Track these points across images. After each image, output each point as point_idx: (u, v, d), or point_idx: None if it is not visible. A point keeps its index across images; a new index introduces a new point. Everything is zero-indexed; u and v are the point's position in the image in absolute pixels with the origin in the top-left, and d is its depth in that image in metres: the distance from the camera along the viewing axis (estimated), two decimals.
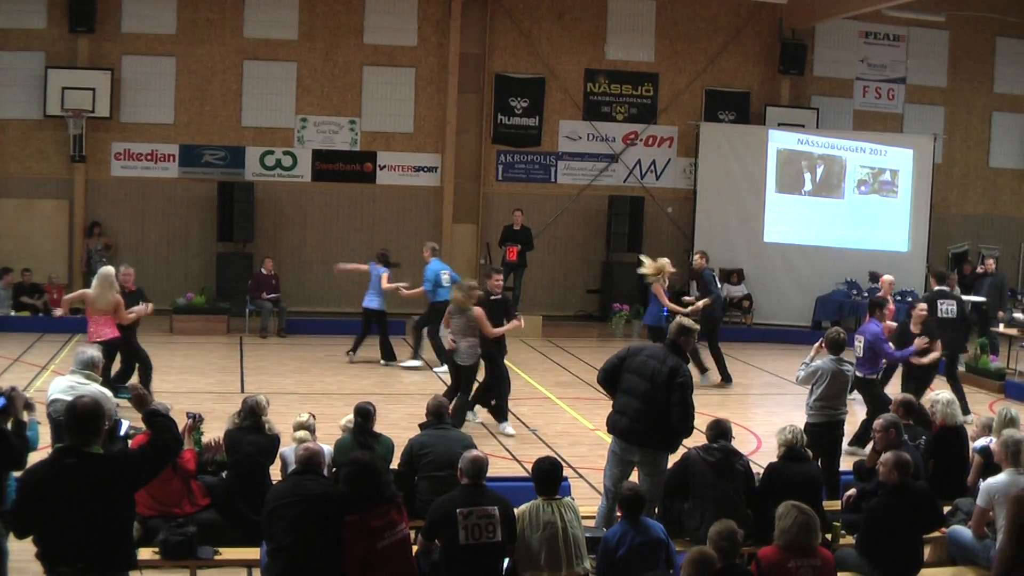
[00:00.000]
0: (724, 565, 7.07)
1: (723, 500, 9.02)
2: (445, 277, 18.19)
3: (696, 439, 9.95)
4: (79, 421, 6.38)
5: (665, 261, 17.37)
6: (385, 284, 18.68)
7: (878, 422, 9.88)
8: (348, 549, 7.63)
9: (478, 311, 14.08)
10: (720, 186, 24.96)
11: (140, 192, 23.41)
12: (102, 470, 6.32)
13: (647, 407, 9.40)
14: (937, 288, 16.55)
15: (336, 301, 23.02)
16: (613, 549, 7.94)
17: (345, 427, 10.05)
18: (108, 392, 10.05)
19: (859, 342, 13.90)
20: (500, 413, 14.52)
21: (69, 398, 9.25)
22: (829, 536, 9.05)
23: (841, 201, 25.21)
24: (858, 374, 13.38)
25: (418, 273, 19.13)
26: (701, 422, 14.24)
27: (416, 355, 18.98)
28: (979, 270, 22.96)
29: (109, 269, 14.56)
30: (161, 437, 6.75)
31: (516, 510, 8.05)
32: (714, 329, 18.31)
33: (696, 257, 19.04)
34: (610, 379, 9.80)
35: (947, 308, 16.20)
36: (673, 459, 9.68)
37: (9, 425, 7.89)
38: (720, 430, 9.48)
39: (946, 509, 10.13)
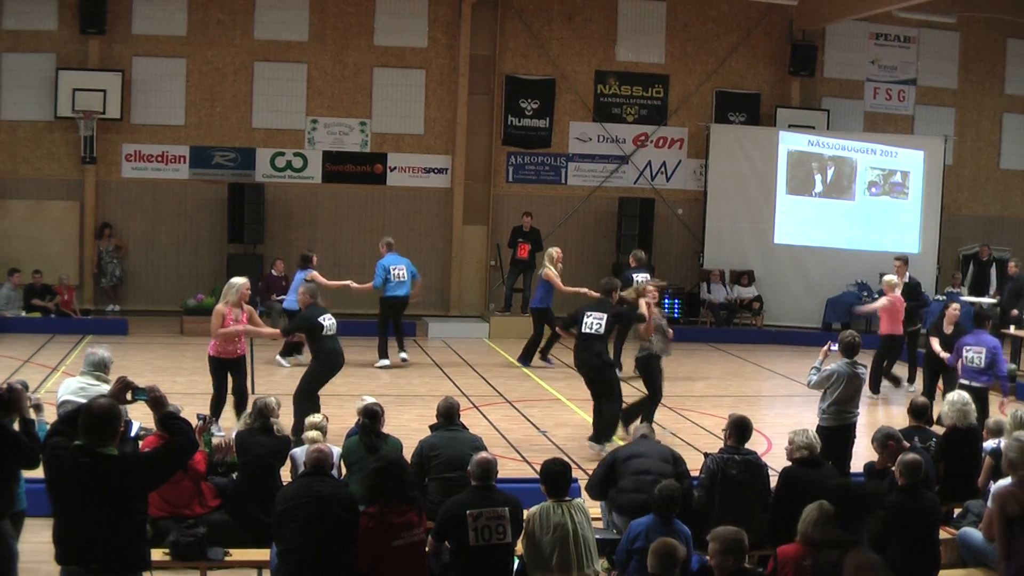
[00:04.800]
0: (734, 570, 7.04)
1: (744, 510, 9.03)
2: (396, 272, 18.49)
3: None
4: (95, 422, 6.38)
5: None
6: (326, 282, 18.42)
7: (874, 441, 9.87)
8: (362, 543, 7.64)
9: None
10: (730, 188, 24.93)
11: (151, 194, 23.44)
12: (116, 471, 6.33)
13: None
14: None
15: (346, 303, 23.00)
16: (632, 539, 7.95)
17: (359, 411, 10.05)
18: None
19: (979, 354, 14.01)
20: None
21: (79, 399, 9.29)
22: None
23: (852, 203, 25.16)
24: (975, 384, 13.78)
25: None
26: (713, 424, 14.25)
27: (384, 354, 18.92)
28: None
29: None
30: (176, 440, 6.76)
31: (526, 512, 8.05)
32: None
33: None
34: (605, 484, 9.64)
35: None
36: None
37: (16, 425, 7.87)
38: (741, 428, 9.45)
39: (957, 511, 10.14)
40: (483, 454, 8.29)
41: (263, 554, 8.54)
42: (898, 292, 17.56)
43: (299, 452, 9.61)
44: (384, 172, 24.56)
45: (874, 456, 10.57)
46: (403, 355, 19.09)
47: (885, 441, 9.66)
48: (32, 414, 8.28)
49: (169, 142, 23.45)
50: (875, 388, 17.70)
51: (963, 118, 26.97)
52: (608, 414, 13.67)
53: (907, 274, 18.67)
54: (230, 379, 13.72)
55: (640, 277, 18.13)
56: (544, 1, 24.90)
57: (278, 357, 18.91)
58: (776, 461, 10.54)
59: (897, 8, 23.85)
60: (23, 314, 21.24)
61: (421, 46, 24.42)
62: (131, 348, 19.29)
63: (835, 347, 11.73)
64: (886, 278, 17.89)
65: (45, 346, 19.33)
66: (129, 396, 6.99)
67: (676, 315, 23.57)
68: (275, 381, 17.08)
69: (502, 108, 24.91)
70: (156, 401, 6.98)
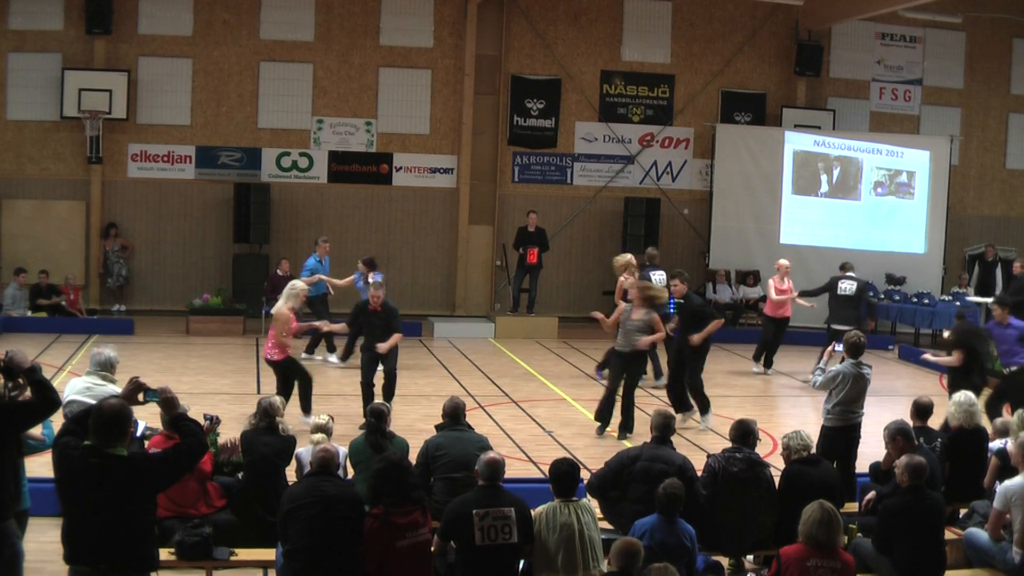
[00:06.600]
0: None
1: (746, 509, 9.02)
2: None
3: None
4: (105, 423, 6.39)
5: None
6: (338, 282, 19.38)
7: (885, 432, 9.84)
8: (368, 544, 7.64)
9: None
10: (736, 188, 24.93)
11: (157, 193, 23.48)
12: (125, 472, 6.35)
13: None
14: (840, 273, 19.28)
15: (352, 303, 23.05)
16: (638, 538, 7.95)
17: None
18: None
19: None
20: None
21: (86, 399, 9.29)
22: (846, 538, 9.03)
23: (857, 203, 25.15)
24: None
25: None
26: (718, 423, 14.24)
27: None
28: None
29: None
30: (186, 441, 6.76)
31: (533, 512, 8.04)
32: None
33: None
34: (605, 487, 9.51)
35: (846, 287, 18.94)
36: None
37: (25, 392, 7.40)
38: (744, 431, 9.44)
39: (963, 511, 10.12)
40: (491, 454, 8.26)
41: (269, 554, 8.54)
42: (785, 280, 19.45)
43: (304, 452, 9.61)
44: (390, 172, 24.57)
45: (876, 457, 10.56)
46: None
47: (894, 435, 9.62)
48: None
49: (175, 142, 23.48)
50: (759, 360, 19.93)
51: (969, 118, 26.95)
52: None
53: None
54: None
55: (657, 275, 18.08)
56: (550, 1, 24.91)
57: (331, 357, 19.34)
58: (781, 462, 10.51)
59: (903, 8, 23.83)
60: (29, 314, 21.25)
61: (427, 46, 24.43)
62: (137, 348, 19.31)
63: (839, 347, 11.70)
64: (778, 262, 19.82)
65: (51, 346, 19.34)
66: (141, 397, 6.99)
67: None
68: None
69: (508, 108, 24.92)
70: (168, 402, 6.98)
